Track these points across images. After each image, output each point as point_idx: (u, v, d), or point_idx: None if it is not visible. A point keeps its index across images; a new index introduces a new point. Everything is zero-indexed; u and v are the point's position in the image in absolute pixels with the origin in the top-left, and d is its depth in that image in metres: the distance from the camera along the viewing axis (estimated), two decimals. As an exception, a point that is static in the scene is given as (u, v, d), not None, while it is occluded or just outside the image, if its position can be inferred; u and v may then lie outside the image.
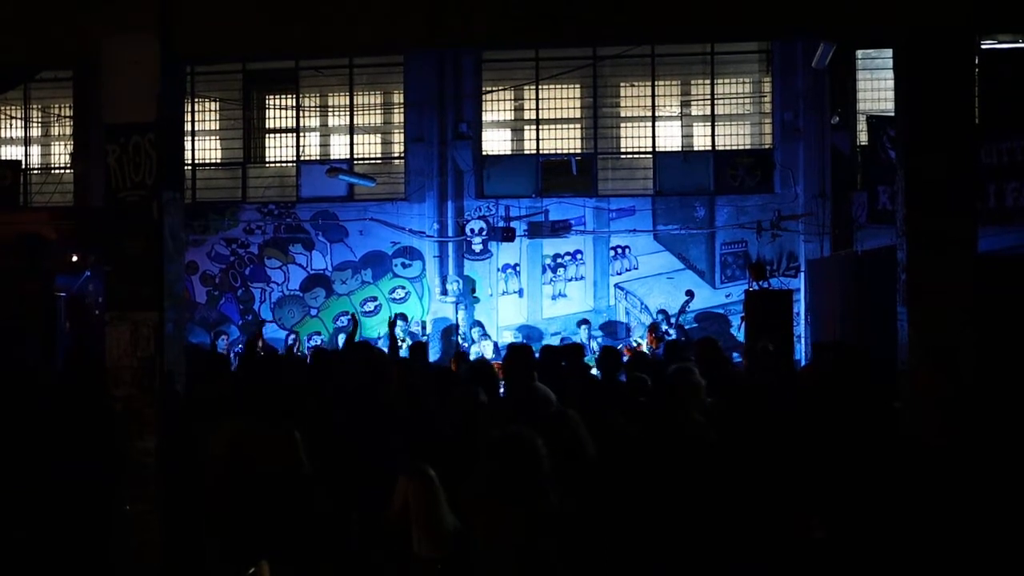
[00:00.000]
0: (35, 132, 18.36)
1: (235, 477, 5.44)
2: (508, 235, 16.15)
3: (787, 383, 7.78)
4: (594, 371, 9.81)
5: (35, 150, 18.41)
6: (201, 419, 6.51)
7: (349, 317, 14.03)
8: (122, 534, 6.59)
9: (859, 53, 15.58)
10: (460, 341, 15.78)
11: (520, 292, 16.39)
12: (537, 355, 7.81)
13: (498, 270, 16.44)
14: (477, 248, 16.46)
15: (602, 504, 4.45)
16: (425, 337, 15.87)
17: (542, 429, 4.14)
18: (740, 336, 14.43)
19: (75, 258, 15.13)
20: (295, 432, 5.58)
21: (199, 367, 8.18)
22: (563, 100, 16.83)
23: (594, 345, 14.74)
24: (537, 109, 16.71)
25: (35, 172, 18.12)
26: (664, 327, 14.20)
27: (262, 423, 5.66)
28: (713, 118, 16.39)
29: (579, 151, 16.63)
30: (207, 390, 7.26)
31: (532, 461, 3.68)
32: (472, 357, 14.47)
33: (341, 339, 16.09)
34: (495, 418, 5.91)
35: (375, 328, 16.02)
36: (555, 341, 14.79)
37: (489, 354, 14.48)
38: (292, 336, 16.24)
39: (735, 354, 13.78)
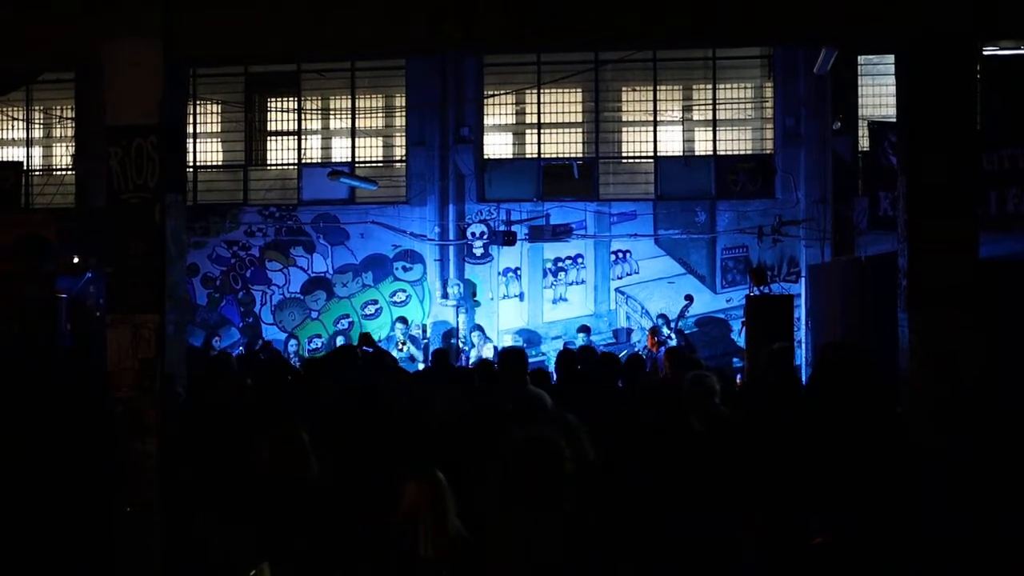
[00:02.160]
0: (37, 133, 18.39)
1: (243, 479, 5.44)
2: (509, 239, 16.17)
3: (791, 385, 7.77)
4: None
5: (36, 152, 18.44)
6: (204, 421, 6.52)
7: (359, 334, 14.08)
8: (122, 536, 6.59)
9: (861, 58, 15.60)
10: (460, 344, 15.77)
11: (521, 296, 16.39)
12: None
13: (499, 274, 16.45)
14: (478, 252, 16.47)
15: (605, 509, 4.45)
16: (425, 340, 15.88)
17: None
18: (740, 341, 14.43)
19: (76, 260, 15.13)
20: (303, 434, 5.58)
21: (199, 369, 8.19)
22: (565, 104, 16.85)
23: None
24: (539, 113, 16.72)
25: (36, 174, 18.14)
26: (665, 331, 14.19)
27: (271, 425, 5.66)
28: (715, 123, 16.41)
29: (580, 155, 16.65)
30: (211, 393, 7.26)
31: (556, 465, 3.67)
32: (471, 360, 14.54)
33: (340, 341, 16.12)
34: (491, 422, 5.92)
35: (375, 333, 16.00)
36: (556, 345, 14.82)
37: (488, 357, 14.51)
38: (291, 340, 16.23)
39: (735, 359, 13.80)
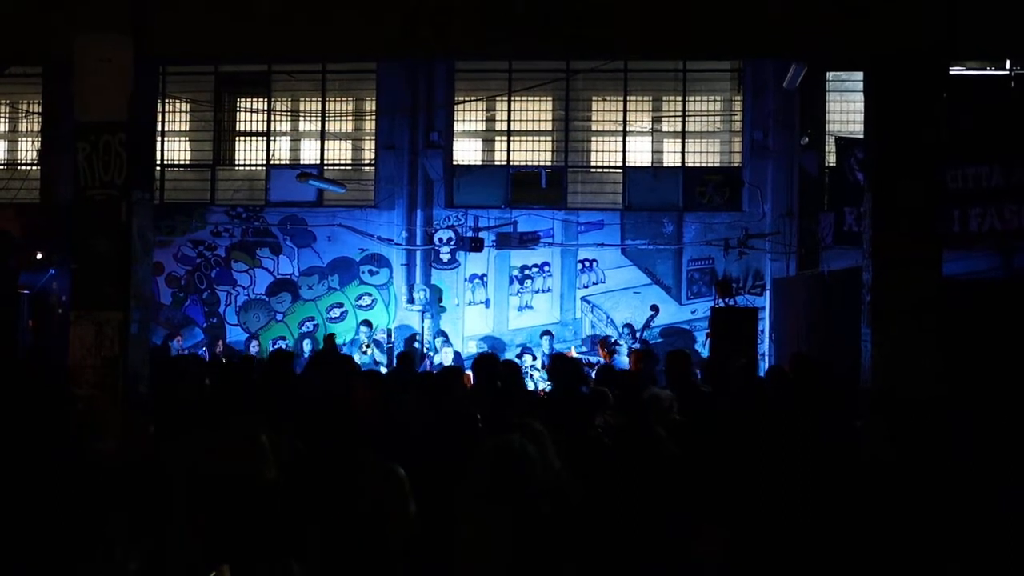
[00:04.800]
0: (2, 128, 18.21)
1: (200, 481, 5.41)
2: (476, 245, 16.16)
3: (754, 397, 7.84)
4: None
5: (1, 146, 18.25)
6: (167, 422, 6.47)
7: (325, 337, 14.04)
8: (81, 536, 6.52)
9: (829, 75, 15.71)
10: (424, 350, 15.73)
11: (486, 302, 16.39)
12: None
13: (465, 280, 16.44)
14: (445, 257, 16.46)
15: (568, 513, 4.47)
16: (389, 345, 15.84)
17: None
18: (705, 352, 14.51)
19: (39, 256, 15.00)
20: (262, 437, 5.56)
21: (165, 369, 8.12)
22: (535, 112, 16.87)
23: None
24: (509, 120, 16.75)
25: (1, 168, 17.95)
26: (622, 341, 14.21)
27: (229, 427, 5.63)
28: (684, 135, 16.47)
29: (549, 164, 16.67)
30: (176, 393, 7.22)
31: (526, 468, 3.71)
32: (435, 364, 14.52)
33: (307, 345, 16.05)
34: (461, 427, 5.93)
35: (340, 336, 15.94)
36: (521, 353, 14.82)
37: (448, 362, 14.51)
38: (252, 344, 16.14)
39: (699, 371, 13.86)
